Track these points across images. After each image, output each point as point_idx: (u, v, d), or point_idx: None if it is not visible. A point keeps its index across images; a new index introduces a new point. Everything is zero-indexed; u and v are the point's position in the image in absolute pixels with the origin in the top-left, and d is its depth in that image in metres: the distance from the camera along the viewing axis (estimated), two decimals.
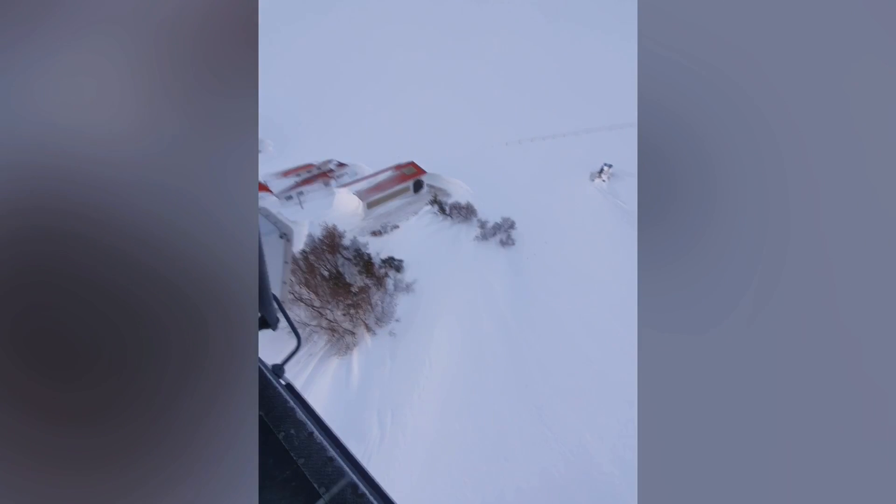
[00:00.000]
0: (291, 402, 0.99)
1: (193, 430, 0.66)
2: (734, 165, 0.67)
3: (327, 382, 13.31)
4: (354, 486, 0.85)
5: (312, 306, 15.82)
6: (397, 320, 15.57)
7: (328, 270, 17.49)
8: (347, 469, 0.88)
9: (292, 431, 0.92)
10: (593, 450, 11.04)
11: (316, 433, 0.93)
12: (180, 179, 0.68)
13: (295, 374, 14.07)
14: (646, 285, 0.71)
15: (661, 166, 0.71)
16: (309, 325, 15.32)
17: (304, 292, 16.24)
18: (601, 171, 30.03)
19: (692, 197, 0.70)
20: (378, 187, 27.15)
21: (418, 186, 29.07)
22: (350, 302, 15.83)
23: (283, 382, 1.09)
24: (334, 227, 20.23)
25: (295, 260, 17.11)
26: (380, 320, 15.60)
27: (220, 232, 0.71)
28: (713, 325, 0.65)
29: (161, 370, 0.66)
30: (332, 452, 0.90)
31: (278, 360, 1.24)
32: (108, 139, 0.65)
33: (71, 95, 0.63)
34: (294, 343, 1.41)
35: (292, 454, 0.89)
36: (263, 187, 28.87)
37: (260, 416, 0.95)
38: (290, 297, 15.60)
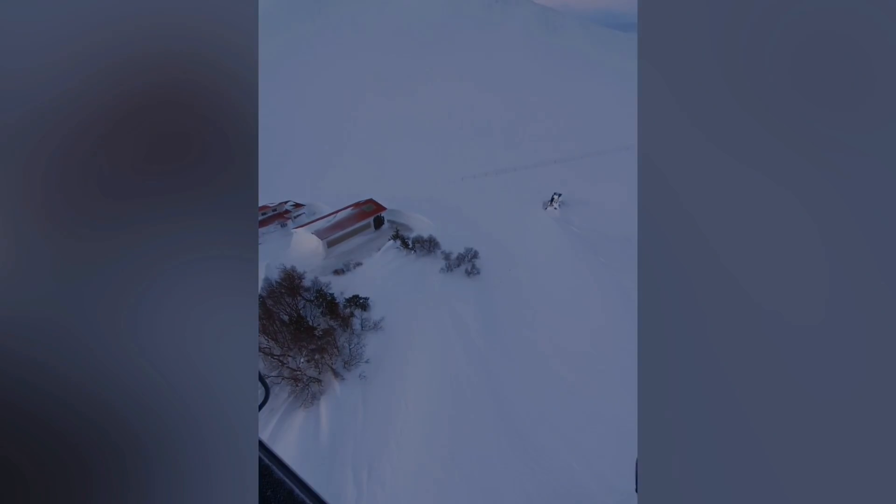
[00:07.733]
0: (266, 461, 0.89)
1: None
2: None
3: (293, 439, 11.96)
4: None
5: (272, 355, 14.51)
6: (367, 361, 14.69)
7: (288, 315, 16.33)
8: None
9: (269, 493, 0.83)
10: (582, 478, 10.75)
11: (296, 491, 0.85)
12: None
13: None
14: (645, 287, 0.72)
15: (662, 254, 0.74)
16: (269, 376, 13.94)
17: (263, 340, 14.92)
18: (552, 199, 32.05)
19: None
20: (338, 225, 26.58)
21: (379, 223, 28.87)
22: (314, 346, 14.74)
23: None
24: (293, 269, 19.21)
25: None
26: (348, 363, 14.61)
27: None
28: (713, 327, 0.67)
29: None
30: None
31: None
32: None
33: None
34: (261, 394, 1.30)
35: None
36: None
37: None
38: None
